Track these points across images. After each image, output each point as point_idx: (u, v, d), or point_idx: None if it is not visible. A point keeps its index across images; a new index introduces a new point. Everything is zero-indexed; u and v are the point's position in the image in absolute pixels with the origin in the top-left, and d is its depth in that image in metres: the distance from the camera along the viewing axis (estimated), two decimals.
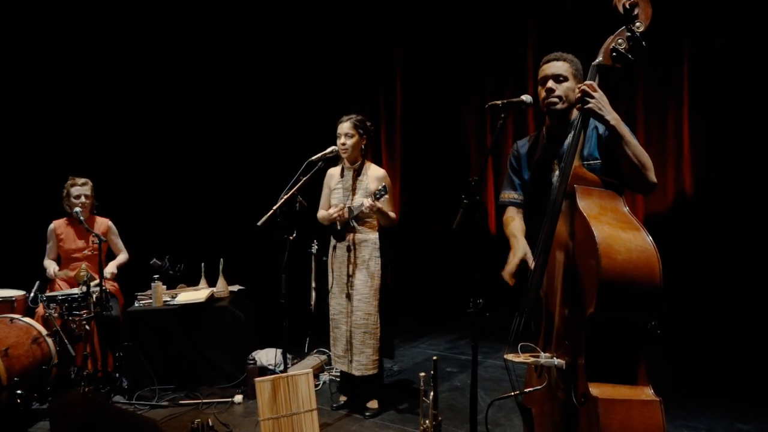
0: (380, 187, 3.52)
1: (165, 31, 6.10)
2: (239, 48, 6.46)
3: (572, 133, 2.34)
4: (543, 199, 2.52)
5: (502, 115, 2.35)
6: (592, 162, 2.37)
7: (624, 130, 2.20)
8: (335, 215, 3.71)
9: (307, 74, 6.66)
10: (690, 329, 4.69)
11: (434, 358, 2.68)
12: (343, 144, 3.70)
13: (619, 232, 2.04)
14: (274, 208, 3.43)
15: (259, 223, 3.37)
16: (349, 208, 3.71)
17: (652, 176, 2.23)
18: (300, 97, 6.58)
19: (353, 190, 3.78)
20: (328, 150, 3.69)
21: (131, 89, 6.04)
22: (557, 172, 2.46)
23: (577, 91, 2.23)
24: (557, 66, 2.43)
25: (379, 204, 3.54)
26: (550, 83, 2.41)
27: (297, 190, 3.53)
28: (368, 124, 3.79)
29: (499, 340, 5.25)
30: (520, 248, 2.43)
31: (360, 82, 6.78)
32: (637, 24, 2.19)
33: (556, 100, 2.41)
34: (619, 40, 2.22)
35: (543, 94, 2.44)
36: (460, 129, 6.57)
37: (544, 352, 2.25)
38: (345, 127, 3.71)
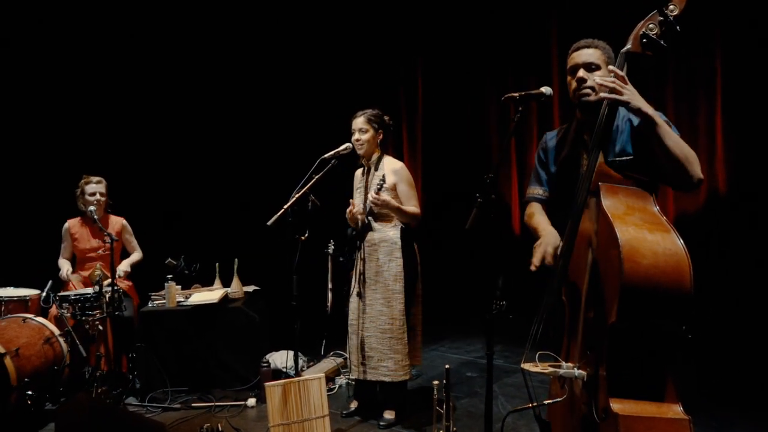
0: (380, 179, 3.38)
1: (178, 27, 6.06)
2: (256, 44, 6.40)
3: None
4: (569, 196, 2.37)
5: (520, 109, 2.20)
6: (624, 158, 2.20)
7: (661, 121, 2.03)
8: (348, 215, 3.58)
9: (328, 71, 6.57)
10: (722, 332, 4.47)
11: (446, 366, 2.54)
12: (358, 140, 3.58)
13: (645, 234, 1.88)
14: (285, 207, 3.32)
15: (269, 223, 3.26)
16: (365, 206, 3.58)
17: (697, 170, 2.05)
18: (319, 94, 6.49)
19: (367, 187, 3.66)
20: (342, 147, 3.57)
21: (145, 86, 6.00)
22: (584, 169, 2.31)
23: (603, 80, 2.06)
24: (588, 54, 2.27)
25: (383, 196, 3.37)
26: (581, 73, 2.25)
27: (309, 188, 3.42)
28: (386, 118, 3.66)
29: (523, 344, 5.08)
30: (550, 234, 2.27)
31: (380, 78, 6.68)
32: (671, 7, 2.01)
33: (588, 90, 2.25)
34: (650, 25, 2.05)
35: (573, 84, 2.28)
36: (483, 125, 6.44)
37: (567, 362, 2.10)
38: (359, 122, 3.59)
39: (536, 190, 2.52)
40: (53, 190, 5.08)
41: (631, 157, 2.20)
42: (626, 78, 2.03)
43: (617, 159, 2.20)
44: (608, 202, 1.99)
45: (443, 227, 6.53)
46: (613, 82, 2.01)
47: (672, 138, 2.02)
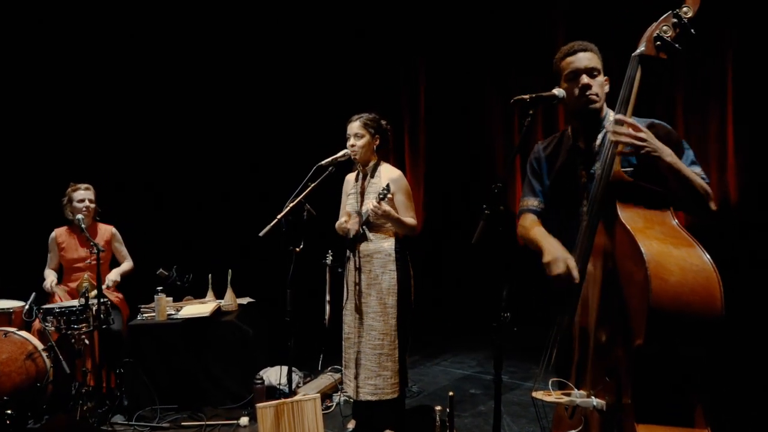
0: (384, 186, 3.17)
1: (168, 30, 5.89)
2: (248, 47, 6.22)
3: (602, 133, 2.12)
4: (566, 209, 2.22)
5: (531, 112, 2.03)
6: (627, 169, 2.04)
7: (682, 165, 1.90)
8: (345, 225, 3.40)
9: (325, 76, 6.40)
10: (746, 351, 4.28)
11: (450, 394, 2.35)
12: (353, 145, 3.39)
13: (670, 249, 1.72)
14: (278, 217, 3.14)
15: (261, 234, 3.08)
16: (359, 213, 3.40)
17: (713, 205, 1.94)
18: (317, 98, 6.31)
19: (363, 194, 3.48)
20: (340, 154, 3.40)
21: (135, 92, 5.83)
22: (584, 179, 2.15)
23: (614, 133, 1.90)
24: (589, 58, 2.12)
25: (385, 206, 3.18)
26: (586, 79, 2.09)
27: (304, 197, 3.24)
28: (383, 122, 3.47)
29: (528, 358, 4.92)
30: (559, 246, 2.04)
31: (380, 83, 6.50)
32: (685, 9, 1.90)
33: (595, 98, 2.10)
34: (664, 27, 1.92)
35: (577, 91, 2.11)
36: (487, 131, 6.29)
37: (578, 389, 1.92)
38: (354, 126, 3.41)
39: (531, 202, 2.34)
40: (39, 197, 4.90)
41: (632, 168, 2.04)
42: (639, 125, 1.88)
43: (625, 170, 2.03)
44: (626, 215, 1.82)
45: (446, 235, 6.36)
46: (628, 135, 1.86)
47: (691, 179, 1.89)
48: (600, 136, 2.15)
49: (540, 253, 2.11)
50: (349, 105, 3.76)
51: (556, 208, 2.28)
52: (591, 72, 2.10)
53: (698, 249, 1.74)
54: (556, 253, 1.98)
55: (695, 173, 1.91)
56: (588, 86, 2.09)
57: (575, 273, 1.92)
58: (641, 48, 1.93)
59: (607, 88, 2.16)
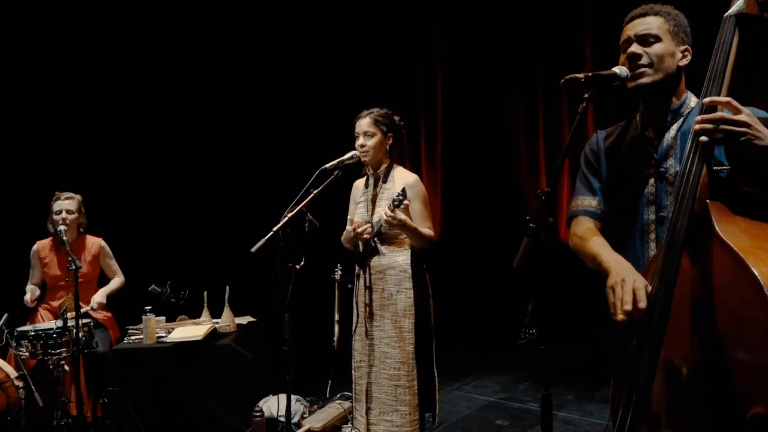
0: (399, 193, 2.72)
1: (161, 29, 5.48)
2: (246, 43, 5.80)
3: (679, 121, 1.70)
4: (626, 216, 1.76)
5: (585, 96, 1.57)
6: (723, 168, 1.58)
7: None
8: (352, 232, 2.93)
9: (333, 75, 5.98)
10: None
11: None
12: (362, 145, 2.94)
13: None
14: (275, 229, 2.69)
15: (253, 249, 2.64)
16: (370, 223, 2.94)
17: None
18: (326, 100, 5.88)
19: (375, 201, 3.03)
20: (348, 155, 2.96)
21: (130, 95, 5.41)
22: (653, 179, 1.68)
23: (701, 120, 1.41)
24: (646, 23, 1.68)
25: (400, 215, 2.72)
26: (634, 47, 1.66)
27: (305, 205, 2.79)
28: (396, 119, 3.02)
29: (559, 382, 4.45)
30: (628, 267, 1.55)
31: (395, 82, 6.08)
32: None
33: (643, 69, 1.65)
34: None
35: (626, 64, 1.68)
36: (510, 135, 5.92)
37: None
38: (363, 123, 2.95)
39: (587, 201, 1.85)
40: (21, 206, 4.54)
41: (728, 168, 1.57)
42: (736, 104, 1.39)
43: (716, 169, 1.56)
44: (725, 229, 1.34)
45: (464, 247, 5.91)
46: (722, 118, 1.37)
47: None
48: (675, 127, 1.68)
49: (599, 271, 1.64)
50: (358, 103, 3.30)
51: (617, 212, 1.81)
52: (645, 39, 1.67)
53: None
54: (625, 277, 1.49)
55: None
56: (635, 56, 1.65)
57: (643, 304, 1.41)
58: (739, 5, 1.47)
59: (683, 61, 1.69)
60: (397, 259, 2.95)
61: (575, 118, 1.55)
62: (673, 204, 1.48)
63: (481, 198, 6.03)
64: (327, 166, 2.90)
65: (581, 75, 1.56)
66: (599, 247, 1.68)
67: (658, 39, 1.66)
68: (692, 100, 1.72)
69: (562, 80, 1.55)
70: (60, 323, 3.40)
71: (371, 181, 3.10)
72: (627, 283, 1.45)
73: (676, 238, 1.43)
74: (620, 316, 1.42)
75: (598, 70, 1.61)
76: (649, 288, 1.46)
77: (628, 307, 1.41)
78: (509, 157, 5.91)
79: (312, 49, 5.97)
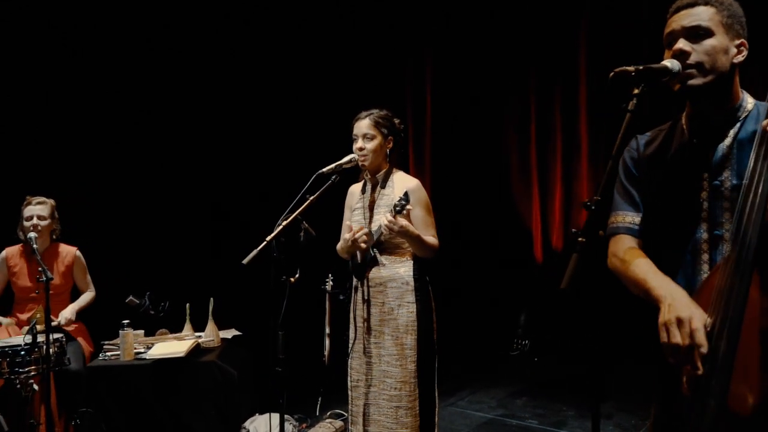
0: (401, 197, 2.53)
1: (156, 29, 5.28)
2: (234, 42, 5.61)
3: (735, 126, 1.50)
4: (675, 232, 1.55)
5: (635, 92, 1.38)
6: None
7: None
8: (350, 240, 2.71)
9: (323, 76, 5.80)
10: None
11: None
12: (361, 148, 2.74)
13: None
14: (268, 239, 2.47)
15: (244, 262, 2.41)
16: (370, 232, 2.73)
17: None
18: (316, 102, 5.72)
19: (373, 208, 2.83)
20: (346, 159, 2.76)
21: (111, 97, 5.16)
22: (705, 193, 1.49)
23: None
24: (695, 14, 1.48)
25: (402, 221, 2.54)
26: (681, 43, 1.47)
27: (301, 213, 2.58)
28: (396, 121, 2.85)
29: (556, 396, 4.30)
30: (683, 297, 1.36)
31: (383, 85, 5.91)
32: None
33: (692, 70, 1.45)
34: None
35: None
36: (500, 142, 5.89)
37: None
38: (363, 125, 2.76)
39: (629, 218, 1.65)
40: None
41: None
42: None
43: None
44: None
45: (458, 256, 5.74)
46: None
47: None
48: (731, 133, 1.50)
49: (646, 299, 1.44)
50: (350, 111, 3.09)
51: (655, 230, 1.62)
52: (694, 32, 1.47)
53: None
54: (679, 309, 1.31)
55: None
56: (683, 53, 1.46)
57: (702, 341, 1.26)
58: None
59: (738, 58, 1.50)
60: (398, 270, 2.75)
61: (625, 117, 1.36)
62: (732, 221, 1.30)
63: (470, 205, 5.92)
64: (324, 170, 2.70)
65: (632, 68, 1.38)
66: (646, 271, 1.49)
67: (709, 33, 1.46)
68: (749, 102, 1.53)
69: (612, 73, 1.36)
70: (29, 338, 3.14)
71: (369, 187, 2.90)
72: (684, 325, 1.28)
73: (744, 255, 1.25)
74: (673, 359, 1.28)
75: (649, 63, 1.42)
76: (708, 321, 1.28)
77: (686, 360, 1.28)
78: (501, 166, 5.88)
79: (305, 50, 5.83)
